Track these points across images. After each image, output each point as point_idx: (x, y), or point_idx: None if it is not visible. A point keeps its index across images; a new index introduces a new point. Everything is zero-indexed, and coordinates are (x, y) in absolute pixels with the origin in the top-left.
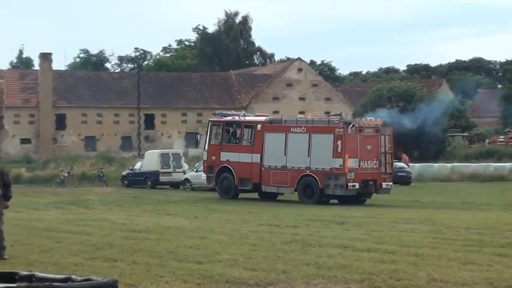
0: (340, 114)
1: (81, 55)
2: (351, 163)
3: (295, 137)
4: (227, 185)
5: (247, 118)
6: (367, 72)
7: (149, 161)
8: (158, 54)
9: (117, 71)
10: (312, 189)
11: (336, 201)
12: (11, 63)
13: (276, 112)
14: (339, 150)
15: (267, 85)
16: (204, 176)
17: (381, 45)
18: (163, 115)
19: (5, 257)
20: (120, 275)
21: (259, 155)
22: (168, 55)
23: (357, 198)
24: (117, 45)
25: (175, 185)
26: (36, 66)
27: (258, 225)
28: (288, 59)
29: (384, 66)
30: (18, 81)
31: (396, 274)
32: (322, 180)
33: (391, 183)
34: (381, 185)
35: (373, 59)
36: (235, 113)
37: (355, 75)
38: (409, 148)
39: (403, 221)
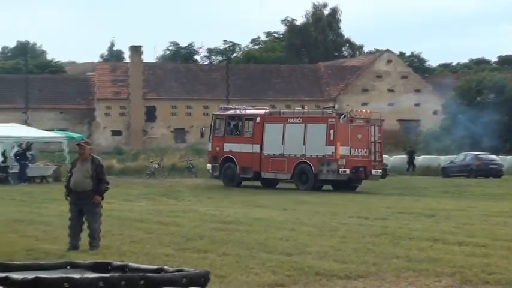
0: (333, 107)
1: (171, 48)
2: (342, 150)
3: (292, 127)
4: (230, 173)
5: (248, 111)
6: (458, 64)
7: None
8: (247, 46)
9: (206, 63)
10: (307, 175)
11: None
12: (101, 56)
13: (364, 104)
14: (331, 138)
15: (355, 77)
16: (209, 166)
17: (472, 37)
18: (252, 107)
19: (93, 249)
20: (210, 266)
21: (259, 145)
22: (256, 47)
23: (348, 185)
24: (206, 37)
25: None
26: (127, 59)
27: (347, 217)
28: (377, 50)
29: (474, 57)
30: (109, 74)
31: (488, 268)
32: (316, 166)
33: (380, 170)
34: (371, 171)
35: (464, 50)
36: (236, 106)
37: (445, 66)
38: (501, 140)
39: (495, 214)
